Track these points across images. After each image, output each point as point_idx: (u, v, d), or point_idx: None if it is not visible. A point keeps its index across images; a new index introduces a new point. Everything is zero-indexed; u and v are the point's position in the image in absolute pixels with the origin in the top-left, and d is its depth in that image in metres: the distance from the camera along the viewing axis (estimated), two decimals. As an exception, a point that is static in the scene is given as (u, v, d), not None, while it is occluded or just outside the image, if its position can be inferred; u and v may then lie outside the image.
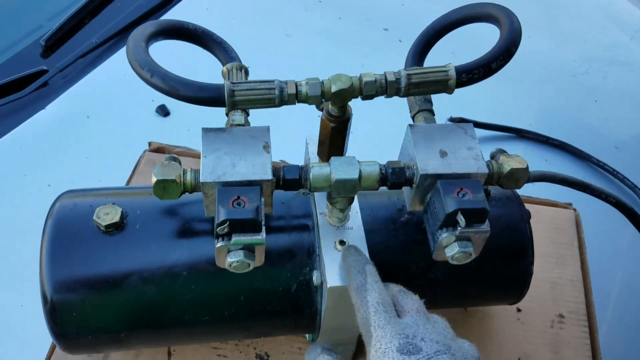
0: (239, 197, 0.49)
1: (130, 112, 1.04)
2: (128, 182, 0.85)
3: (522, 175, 0.54)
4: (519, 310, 0.74)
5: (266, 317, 0.59)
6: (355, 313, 0.50)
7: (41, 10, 1.22)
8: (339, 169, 0.52)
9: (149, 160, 0.85)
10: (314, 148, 0.64)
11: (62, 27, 1.16)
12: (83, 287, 0.55)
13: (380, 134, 0.97)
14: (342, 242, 0.57)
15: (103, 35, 1.18)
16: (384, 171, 0.53)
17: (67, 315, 0.55)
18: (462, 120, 1.03)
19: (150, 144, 0.88)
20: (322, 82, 0.52)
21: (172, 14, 1.24)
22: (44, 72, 1.08)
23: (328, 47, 1.21)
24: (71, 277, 0.55)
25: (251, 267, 0.51)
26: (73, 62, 1.12)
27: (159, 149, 0.87)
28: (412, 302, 0.51)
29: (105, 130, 1.01)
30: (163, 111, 1.04)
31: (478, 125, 1.04)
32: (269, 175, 0.51)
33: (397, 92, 0.53)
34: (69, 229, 0.56)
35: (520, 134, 1.05)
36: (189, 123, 1.01)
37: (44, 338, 0.60)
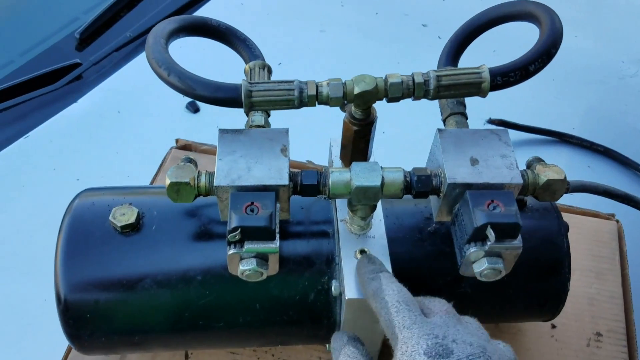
0: (252, 203, 0.47)
1: (160, 107, 1.03)
2: (153, 179, 0.84)
3: (560, 187, 0.50)
4: (553, 326, 0.70)
5: (282, 326, 0.57)
6: (379, 320, 0.47)
7: (77, 2, 1.23)
8: (359, 175, 0.49)
9: (175, 157, 0.84)
10: (337, 151, 0.61)
11: (97, 20, 1.16)
12: (96, 288, 0.54)
13: (410, 137, 0.94)
14: (362, 252, 0.54)
15: (138, 29, 1.17)
16: (408, 178, 0.50)
17: (81, 317, 0.54)
18: (502, 122, 0.98)
19: (177, 141, 0.87)
20: (345, 83, 0.49)
21: (207, 9, 1.23)
22: (77, 65, 1.09)
23: (364, 44, 1.18)
24: (85, 278, 0.54)
25: (264, 276, 0.48)
26: (107, 55, 1.12)
27: (185, 146, 0.86)
28: (439, 304, 0.47)
29: (135, 125, 1.01)
30: (193, 107, 1.03)
31: (518, 127, 0.99)
32: (285, 180, 0.48)
33: (426, 95, 0.49)
34: (85, 228, 0.55)
35: (563, 139, 1.00)
36: (218, 120, 1.00)
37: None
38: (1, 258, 0.83)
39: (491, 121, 0.99)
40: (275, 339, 0.60)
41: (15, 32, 1.18)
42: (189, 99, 1.03)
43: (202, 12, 1.23)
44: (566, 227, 0.59)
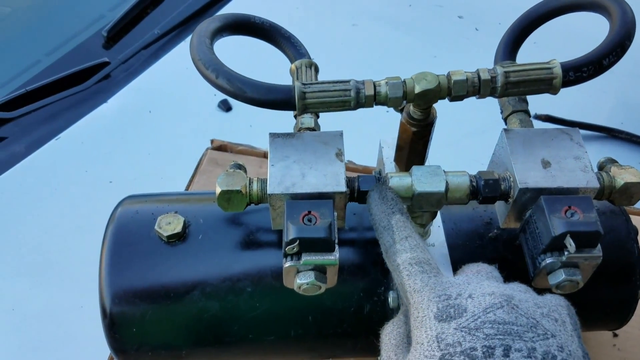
0: (309, 212, 0.44)
1: (192, 106, 1.01)
2: (190, 181, 0.82)
3: (638, 191, 0.46)
4: (615, 335, 0.66)
5: (336, 339, 0.54)
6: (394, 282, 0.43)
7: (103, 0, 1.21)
8: (421, 180, 0.46)
9: (211, 159, 0.82)
10: (389, 152, 0.58)
11: (124, 17, 1.13)
12: (143, 301, 0.52)
13: (455, 136, 0.90)
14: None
15: (166, 25, 1.15)
16: (474, 183, 0.46)
17: (127, 331, 0.52)
18: (548, 118, 0.94)
19: (212, 141, 0.85)
20: (404, 82, 0.46)
21: (234, 4, 1.20)
22: (105, 64, 1.06)
23: (397, 37, 1.14)
24: (131, 291, 0.52)
25: (322, 290, 0.46)
26: (135, 53, 1.10)
27: (221, 147, 0.84)
28: (474, 266, 0.43)
29: (167, 125, 0.98)
30: (225, 106, 1.00)
31: (565, 123, 0.95)
32: (342, 187, 0.46)
33: (492, 93, 0.46)
34: (130, 238, 0.53)
35: (612, 134, 0.95)
36: (251, 118, 0.97)
37: (104, 342, 0.56)
38: (35, 264, 0.82)
39: (537, 116, 0.95)
40: (326, 352, 0.57)
41: (41, 32, 1.16)
42: (221, 97, 1.00)
43: (230, 8, 1.20)
44: (635, 231, 0.56)
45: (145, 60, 1.09)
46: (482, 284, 0.38)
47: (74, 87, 1.03)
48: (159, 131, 0.97)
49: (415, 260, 0.41)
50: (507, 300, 0.36)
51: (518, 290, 0.38)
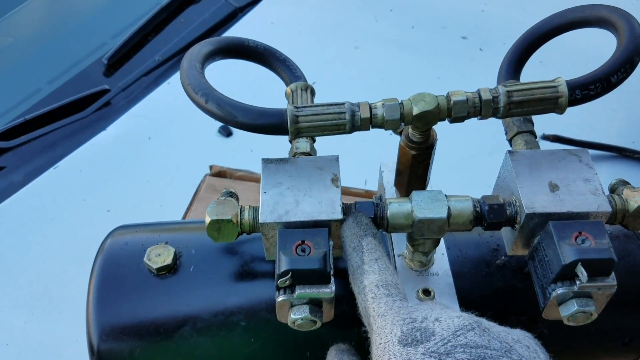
0: (303, 242, 0.42)
1: (192, 132, 1.00)
2: (188, 209, 0.80)
3: (653, 214, 0.44)
4: (634, 365, 0.63)
5: (336, 375, 0.51)
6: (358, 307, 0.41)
7: (105, 28, 1.20)
8: (422, 206, 0.44)
9: (210, 185, 0.80)
10: (389, 176, 0.56)
11: (125, 44, 1.13)
12: (132, 337, 0.49)
13: (459, 159, 0.88)
14: (426, 292, 0.48)
15: (166, 52, 1.14)
16: (478, 208, 0.44)
17: (115, 368, 0.49)
18: (556, 138, 0.92)
19: (211, 167, 0.83)
20: (402, 103, 0.44)
21: (237, 29, 1.20)
22: (106, 91, 1.06)
23: (401, 59, 1.13)
24: (119, 327, 0.49)
25: (318, 325, 0.43)
26: (136, 80, 1.09)
27: (220, 173, 0.82)
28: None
29: (166, 152, 0.97)
30: (225, 131, 0.99)
31: (574, 143, 0.93)
32: (338, 215, 0.43)
33: (495, 113, 0.44)
34: (118, 271, 0.51)
35: (623, 153, 0.93)
36: (252, 143, 0.95)
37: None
38: (31, 295, 0.80)
39: (545, 137, 0.92)
40: (327, 389, 0.54)
41: (42, 60, 1.16)
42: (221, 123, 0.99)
43: (232, 33, 1.19)
44: (652, 256, 0.53)
45: (146, 87, 1.08)
46: (447, 310, 0.37)
47: (73, 115, 1.02)
48: (159, 158, 0.96)
49: (382, 283, 0.39)
50: (477, 322, 0.34)
51: (484, 318, 0.37)
